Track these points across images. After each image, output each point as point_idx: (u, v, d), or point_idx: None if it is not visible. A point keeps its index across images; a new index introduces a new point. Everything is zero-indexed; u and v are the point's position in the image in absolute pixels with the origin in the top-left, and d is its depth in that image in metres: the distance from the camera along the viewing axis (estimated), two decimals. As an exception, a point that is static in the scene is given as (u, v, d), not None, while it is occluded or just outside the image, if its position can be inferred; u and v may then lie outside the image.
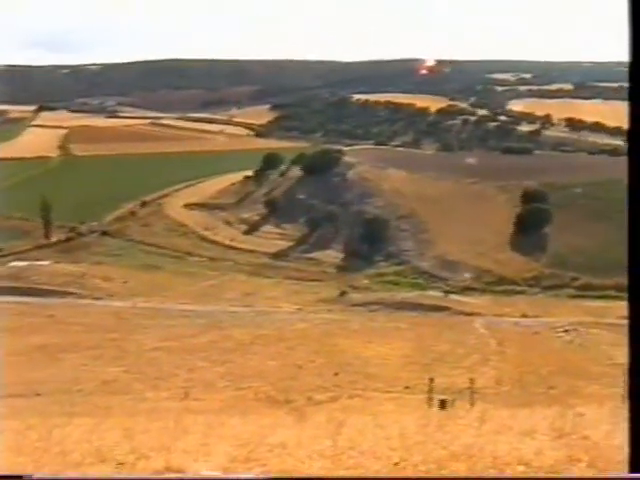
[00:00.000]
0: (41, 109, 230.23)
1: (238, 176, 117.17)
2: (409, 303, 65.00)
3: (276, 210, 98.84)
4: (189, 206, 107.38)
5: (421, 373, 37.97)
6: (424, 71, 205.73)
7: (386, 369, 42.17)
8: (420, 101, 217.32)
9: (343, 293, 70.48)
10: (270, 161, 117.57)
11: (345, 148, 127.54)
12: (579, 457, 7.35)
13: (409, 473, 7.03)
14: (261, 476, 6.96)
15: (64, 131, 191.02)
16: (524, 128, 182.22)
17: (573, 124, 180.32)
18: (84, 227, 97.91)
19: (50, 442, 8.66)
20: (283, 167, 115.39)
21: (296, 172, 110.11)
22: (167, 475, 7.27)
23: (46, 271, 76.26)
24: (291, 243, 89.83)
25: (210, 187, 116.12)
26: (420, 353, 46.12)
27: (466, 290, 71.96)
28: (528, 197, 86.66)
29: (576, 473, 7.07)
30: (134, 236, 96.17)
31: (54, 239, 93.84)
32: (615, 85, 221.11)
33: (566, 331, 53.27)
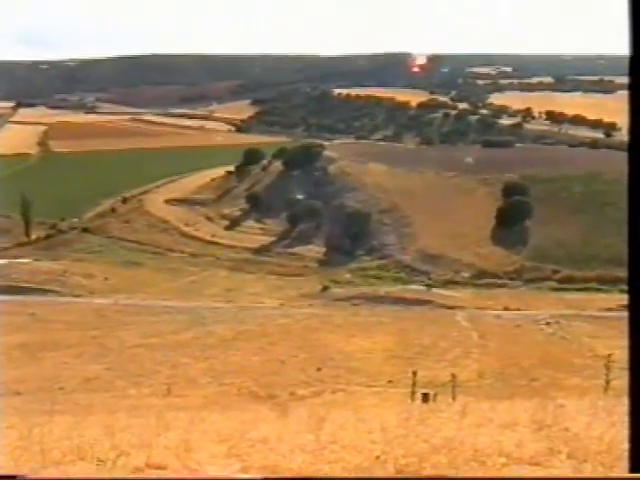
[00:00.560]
0: (19, 105, 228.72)
1: (219, 171, 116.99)
2: (391, 297, 65.15)
3: (257, 205, 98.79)
4: (170, 202, 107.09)
5: (404, 367, 38.05)
6: (416, 69, 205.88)
7: (369, 363, 42.24)
8: (401, 95, 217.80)
9: (325, 288, 70.55)
10: (251, 156, 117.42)
11: (326, 142, 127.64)
12: (559, 449, 7.40)
13: (390, 466, 7.06)
14: (261, 476, 6.98)
15: (43, 127, 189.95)
16: (505, 121, 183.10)
17: (554, 117, 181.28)
18: (64, 224, 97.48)
19: (30, 441, 8.62)
20: (264, 162, 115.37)
21: (277, 167, 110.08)
22: (167, 475, 7.27)
23: (26, 269, 75.82)
24: (273, 238, 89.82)
25: (191, 183, 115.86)
26: (403, 347, 46.24)
27: (448, 284, 72.22)
28: (509, 190, 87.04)
29: (557, 464, 7.12)
30: (115, 233, 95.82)
31: (34, 236, 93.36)
32: (595, 78, 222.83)
33: (548, 324, 53.58)
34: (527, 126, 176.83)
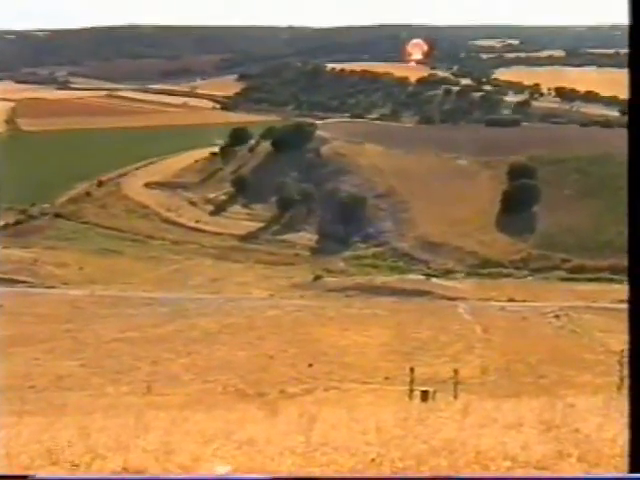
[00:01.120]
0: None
1: (203, 152, 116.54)
2: (388, 287, 65.16)
3: (245, 189, 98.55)
4: (150, 185, 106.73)
5: (401, 363, 38.12)
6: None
7: (364, 359, 42.29)
8: (399, 70, 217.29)
9: (317, 277, 70.54)
10: (238, 136, 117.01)
11: (319, 121, 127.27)
12: (569, 451, 7.40)
13: (386, 469, 7.05)
14: (261, 476, 6.97)
15: (11, 104, 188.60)
16: (511, 98, 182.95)
17: (564, 94, 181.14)
18: (35, 209, 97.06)
19: (-3, 443, 8.57)
20: (252, 142, 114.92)
21: (266, 148, 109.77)
22: (167, 475, 7.26)
23: (-6, 257, 75.56)
24: (261, 224, 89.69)
25: (173, 165, 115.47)
26: (400, 341, 46.30)
27: (449, 273, 72.30)
28: (515, 173, 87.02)
29: (566, 468, 7.12)
30: (90, 218, 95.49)
31: (2, 223, 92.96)
32: (610, 51, 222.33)
33: (557, 316, 53.68)
34: (535, 104, 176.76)
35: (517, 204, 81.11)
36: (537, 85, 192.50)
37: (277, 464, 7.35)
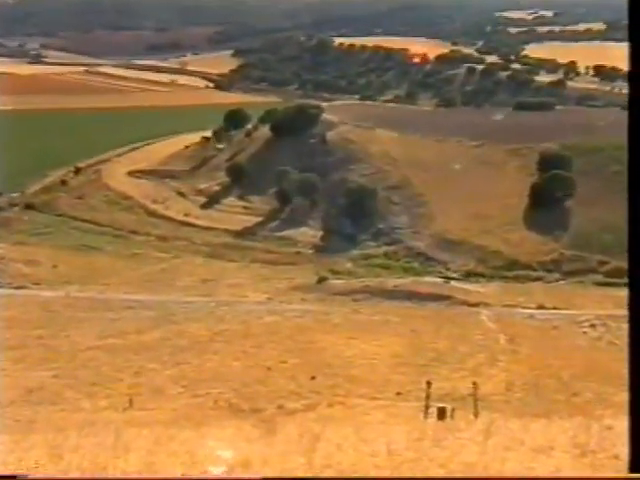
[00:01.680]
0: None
1: (194, 137, 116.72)
2: (402, 291, 65.13)
3: (241, 179, 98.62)
4: (134, 174, 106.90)
5: (416, 376, 38.10)
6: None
7: (373, 371, 42.29)
8: (416, 46, 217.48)
9: (322, 279, 70.53)
10: (233, 119, 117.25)
11: (324, 103, 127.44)
12: (606, 478, 7.36)
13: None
14: (262, 476, 6.96)
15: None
16: (543, 78, 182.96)
17: (604, 73, 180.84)
18: (3, 199, 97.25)
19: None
20: (249, 126, 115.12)
21: (265, 132, 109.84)
22: (167, 475, 7.24)
23: (-43, 253, 75.71)
24: (259, 219, 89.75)
25: (160, 150, 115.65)
26: (415, 352, 46.29)
27: (470, 276, 72.24)
28: (546, 163, 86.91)
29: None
30: (66, 210, 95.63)
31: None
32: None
33: (592, 326, 53.62)
34: (570, 84, 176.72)
35: (548, 198, 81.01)
36: (573, 63, 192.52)
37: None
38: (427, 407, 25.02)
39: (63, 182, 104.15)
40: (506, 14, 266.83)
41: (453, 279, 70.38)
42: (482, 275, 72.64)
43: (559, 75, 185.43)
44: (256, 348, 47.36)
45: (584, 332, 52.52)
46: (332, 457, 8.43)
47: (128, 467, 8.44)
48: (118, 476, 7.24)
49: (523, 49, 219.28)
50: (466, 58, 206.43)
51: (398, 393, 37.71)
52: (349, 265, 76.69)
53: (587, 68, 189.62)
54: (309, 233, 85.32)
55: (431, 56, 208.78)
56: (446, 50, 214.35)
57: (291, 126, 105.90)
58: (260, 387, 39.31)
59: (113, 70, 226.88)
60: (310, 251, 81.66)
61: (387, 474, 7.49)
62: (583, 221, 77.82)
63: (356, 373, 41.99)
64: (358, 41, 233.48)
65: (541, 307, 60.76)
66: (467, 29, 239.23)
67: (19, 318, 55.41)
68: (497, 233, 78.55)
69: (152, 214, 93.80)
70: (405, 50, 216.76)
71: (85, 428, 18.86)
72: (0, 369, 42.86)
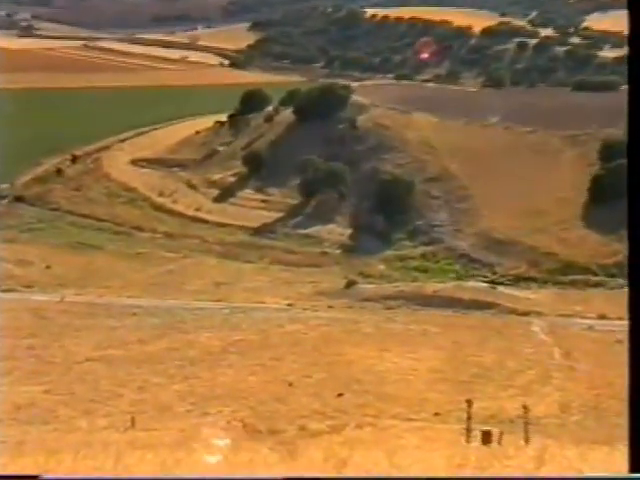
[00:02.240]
0: None
1: (206, 121, 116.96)
2: (441, 297, 65.10)
3: (259, 169, 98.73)
4: (138, 162, 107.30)
5: (457, 395, 38.00)
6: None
7: (408, 388, 42.25)
8: (459, 17, 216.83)
9: (351, 283, 70.57)
10: (251, 101, 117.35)
11: (355, 83, 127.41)
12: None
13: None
14: (261, 476, 7.00)
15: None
16: (607, 54, 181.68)
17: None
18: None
19: None
20: (269, 109, 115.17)
21: (287, 116, 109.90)
22: (167, 475, 7.28)
23: (-61, 252, 76.26)
24: (280, 214, 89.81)
25: (168, 136, 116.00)
26: (456, 367, 46.21)
27: (520, 280, 72.06)
28: (609, 152, 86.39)
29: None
30: (61, 204, 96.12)
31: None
32: None
33: (660, 338, 53.32)
34: None
35: (610, 192, 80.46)
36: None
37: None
38: (469, 430, 24.96)
39: (58, 171, 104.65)
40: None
41: (500, 284, 70.25)
42: (534, 280, 72.43)
43: (626, 50, 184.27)
44: (275, 361, 47.41)
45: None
46: (361, 485, 8.43)
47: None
48: (118, 476, 7.28)
49: (584, 20, 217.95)
50: (517, 31, 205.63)
51: (436, 414, 37.66)
52: (382, 267, 76.65)
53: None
54: (336, 231, 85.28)
55: (477, 29, 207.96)
56: (494, 22, 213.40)
57: (316, 109, 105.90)
58: (280, 405, 39.33)
59: (115, 45, 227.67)
60: (337, 251, 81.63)
61: (424, 505, 7.49)
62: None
63: (389, 390, 41.95)
64: (393, 12, 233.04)
65: (602, 317, 60.49)
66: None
67: (8, 325, 55.69)
68: (552, 232, 78.27)
69: (158, 208, 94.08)
70: (446, 22, 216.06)
71: (81, 450, 18.93)
72: (-15, 383, 43.19)
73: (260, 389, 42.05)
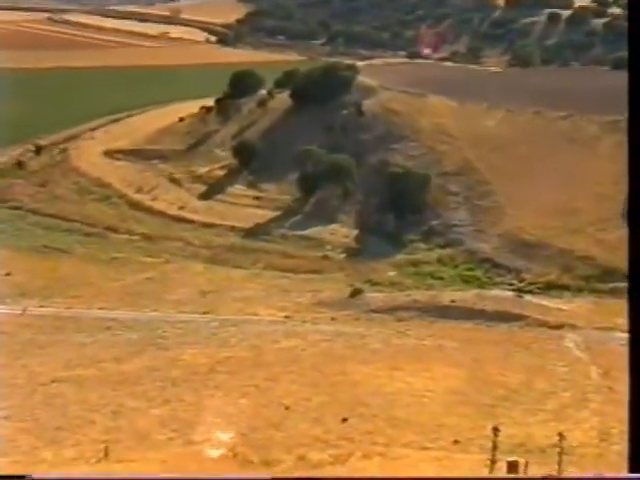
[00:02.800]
0: None
1: (191, 106, 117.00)
2: (461, 308, 65.20)
3: (251, 161, 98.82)
4: (113, 154, 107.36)
5: (479, 420, 38.07)
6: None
7: (423, 413, 42.30)
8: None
9: (356, 292, 70.67)
10: (242, 83, 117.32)
11: (360, 62, 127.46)
12: None
13: None
14: (262, 476, 7.05)
15: None
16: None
17: None
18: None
19: None
20: (263, 92, 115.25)
21: (283, 100, 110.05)
22: (167, 475, 7.33)
23: None
24: (275, 213, 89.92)
25: (146, 124, 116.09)
26: (477, 387, 46.27)
27: (552, 288, 72.10)
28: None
29: None
30: (24, 201, 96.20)
31: None
32: None
33: None
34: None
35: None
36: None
37: None
38: (493, 461, 24.97)
39: (20, 164, 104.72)
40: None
41: (528, 293, 70.32)
42: (567, 288, 72.48)
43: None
44: (270, 381, 47.48)
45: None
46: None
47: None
48: (118, 476, 7.32)
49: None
50: (548, 1, 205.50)
51: (455, 441, 37.70)
52: (392, 274, 76.71)
53: None
54: (340, 232, 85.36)
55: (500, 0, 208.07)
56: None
57: (317, 92, 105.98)
58: (275, 432, 39.37)
59: (84, 18, 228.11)
60: (341, 255, 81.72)
61: None
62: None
63: (400, 415, 42.01)
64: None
65: (645, 330, 60.51)
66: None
67: (-38, 341, 55.88)
68: (588, 232, 78.31)
69: (136, 206, 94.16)
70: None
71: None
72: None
73: (253, 414, 42.11)
